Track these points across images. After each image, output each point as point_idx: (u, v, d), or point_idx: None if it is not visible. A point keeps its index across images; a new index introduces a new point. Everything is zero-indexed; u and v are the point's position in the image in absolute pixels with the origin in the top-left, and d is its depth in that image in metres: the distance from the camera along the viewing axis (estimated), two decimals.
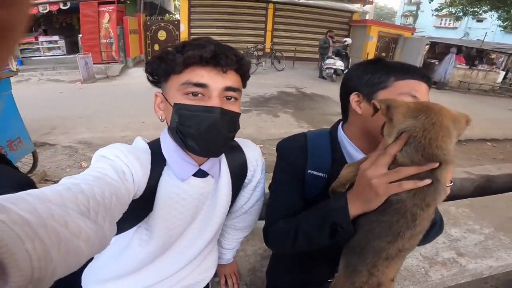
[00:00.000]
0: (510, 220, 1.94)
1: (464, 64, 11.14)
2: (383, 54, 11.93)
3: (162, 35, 10.05)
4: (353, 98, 0.74)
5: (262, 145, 3.72)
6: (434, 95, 8.71)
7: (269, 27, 11.37)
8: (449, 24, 23.17)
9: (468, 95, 10.01)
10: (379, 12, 40.31)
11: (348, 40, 9.47)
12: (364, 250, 0.59)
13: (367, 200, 0.58)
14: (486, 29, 18.39)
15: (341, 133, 0.79)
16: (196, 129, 0.60)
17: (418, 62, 11.19)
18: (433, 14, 17.30)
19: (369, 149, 0.74)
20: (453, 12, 13.12)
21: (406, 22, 27.30)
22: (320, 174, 0.76)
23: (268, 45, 10.70)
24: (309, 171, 0.77)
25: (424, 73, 0.70)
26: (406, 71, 0.69)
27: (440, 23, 24.09)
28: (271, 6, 11.10)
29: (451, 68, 10.54)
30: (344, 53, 8.81)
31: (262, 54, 9.82)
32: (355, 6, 12.03)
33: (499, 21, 13.12)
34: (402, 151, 0.54)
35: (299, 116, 5.15)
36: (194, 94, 0.60)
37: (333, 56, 8.55)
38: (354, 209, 0.61)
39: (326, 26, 10.73)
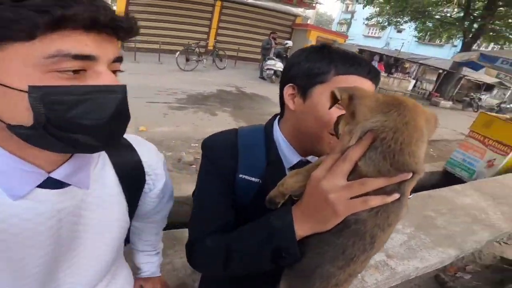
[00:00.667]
0: (426, 218, 2.10)
1: (383, 72, 12.89)
2: None
3: None
4: (287, 90, 0.67)
5: (197, 144, 3.85)
6: None
7: (214, 24, 11.35)
8: (375, 33, 26.09)
9: None
10: (319, 18, 43.20)
11: (289, 43, 9.94)
12: (311, 275, 0.50)
13: (321, 220, 0.47)
14: (403, 39, 21.12)
15: (276, 130, 0.71)
16: (96, 118, 0.39)
17: None
18: (364, 23, 19.21)
19: (304, 153, 0.69)
20: (380, 21, 14.62)
21: (341, 29, 29.85)
22: (252, 178, 0.66)
23: (211, 42, 10.70)
24: (240, 175, 0.66)
25: (371, 68, 0.62)
26: (349, 63, 0.60)
27: (368, 32, 26.88)
28: (218, 3, 11.06)
29: None
30: (284, 55, 9.18)
31: (204, 52, 9.76)
32: (299, 10, 12.73)
33: (416, 32, 14.98)
34: (366, 156, 0.42)
35: (238, 115, 5.40)
36: (75, 71, 0.37)
37: (274, 58, 8.88)
38: (303, 230, 0.49)
39: (270, 28, 11.15)
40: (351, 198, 0.44)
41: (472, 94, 14.91)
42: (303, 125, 0.65)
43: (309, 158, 0.71)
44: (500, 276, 2.30)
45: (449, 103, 13.68)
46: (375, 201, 0.43)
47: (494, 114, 5.92)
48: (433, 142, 6.81)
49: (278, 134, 0.71)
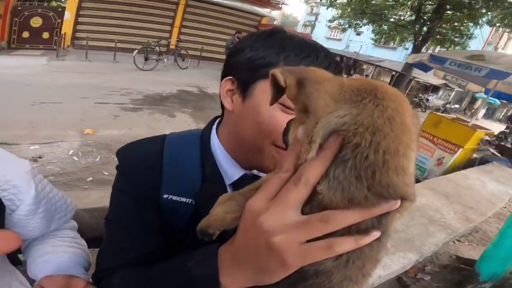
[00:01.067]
0: None
1: (343, 74, 13.45)
2: None
3: (36, 21, 8.48)
4: (225, 85, 0.54)
5: None
6: None
7: (177, 23, 10.94)
8: (336, 36, 27.32)
9: None
10: (285, 20, 44.21)
11: None
12: None
13: (261, 270, 0.32)
14: (362, 42, 22.40)
15: (214, 137, 0.58)
16: None
17: None
18: (326, 25, 20.00)
19: (249, 165, 0.56)
20: (341, 23, 15.06)
21: (306, 31, 30.77)
22: (182, 199, 0.53)
23: (173, 41, 10.29)
24: (164, 196, 0.53)
25: (331, 61, 0.51)
26: (305, 54, 0.49)
27: (331, 35, 28.08)
28: (183, 1, 10.70)
29: None
30: None
31: (166, 51, 9.38)
32: (265, 11, 12.77)
33: (373, 35, 15.62)
34: (329, 176, 0.27)
35: (198, 116, 5.19)
36: None
37: None
38: (234, 283, 0.35)
39: (235, 28, 10.99)
40: (308, 241, 0.28)
41: (420, 95, 16.50)
42: (240, 132, 0.53)
43: (255, 172, 0.58)
44: (458, 276, 2.43)
45: None
46: (345, 245, 0.27)
47: (441, 114, 6.43)
48: None
49: (215, 142, 0.57)
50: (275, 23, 13.77)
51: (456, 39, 12.44)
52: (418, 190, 3.25)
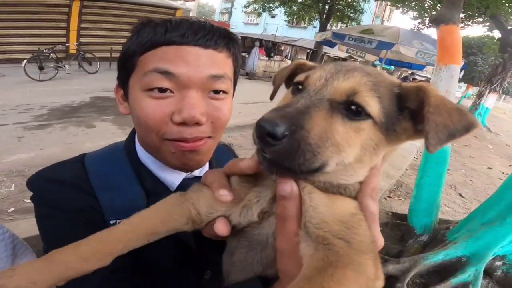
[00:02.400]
0: None
1: (264, 56, 13.96)
2: None
3: None
4: (117, 92, 0.55)
5: None
6: (248, 84, 10.39)
7: (74, 25, 9.74)
8: (253, 20, 27.87)
9: (271, 82, 12.73)
10: (201, 10, 42.80)
11: None
12: None
13: None
14: (277, 24, 23.37)
15: (139, 148, 0.56)
16: None
17: None
18: (242, 11, 20.12)
19: (176, 166, 0.54)
20: (256, 8, 15.60)
21: (223, 19, 30.47)
22: None
23: (72, 45, 9.06)
24: (111, 222, 0.49)
25: (204, 32, 0.48)
26: (161, 32, 0.47)
27: (248, 20, 28.49)
28: (76, 3, 9.52)
29: (257, 60, 12.92)
30: None
31: (65, 57, 8.24)
32: (178, 3, 12.24)
33: (285, 16, 16.62)
34: None
35: (123, 122, 4.75)
36: None
37: None
38: None
39: None
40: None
41: None
42: (138, 134, 0.53)
43: (197, 172, 0.58)
44: (399, 232, 2.73)
45: None
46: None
47: None
48: None
49: (142, 153, 0.55)
50: (190, 14, 13.28)
51: (351, 15, 14.10)
52: None
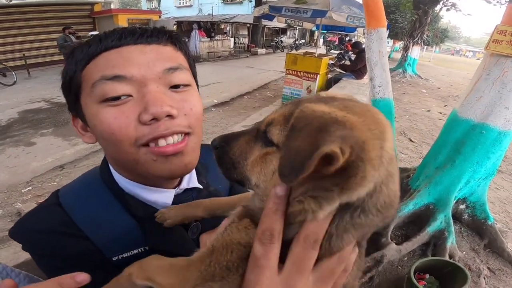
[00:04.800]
0: None
1: (205, 37, 13.46)
2: None
3: None
4: (75, 123, 0.51)
5: (30, 187, 2.92)
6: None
7: None
8: (186, 2, 26.19)
9: (217, 62, 12.44)
10: (123, 0, 38.56)
11: (94, 34, 8.56)
12: None
13: None
14: (212, 3, 22.38)
15: (116, 174, 0.51)
16: None
17: None
18: None
19: (160, 183, 0.52)
20: None
21: (152, 6, 28.04)
22: (135, 251, 0.48)
23: None
24: (114, 258, 0.47)
25: (142, 31, 0.46)
26: (95, 43, 0.45)
27: (180, 3, 26.60)
28: None
29: (198, 42, 12.43)
30: None
31: None
32: None
33: None
34: (338, 227, 0.29)
35: (66, 133, 4.33)
36: None
37: None
38: None
39: (64, 23, 9.07)
40: None
41: (275, 38, 18.83)
42: (111, 156, 0.49)
43: (185, 184, 0.54)
44: None
45: (263, 50, 16.71)
46: (352, 260, 0.32)
47: (295, 52, 7.56)
48: (266, 85, 8.09)
49: (120, 179, 0.51)
50: (112, 6, 12.02)
51: None
52: None
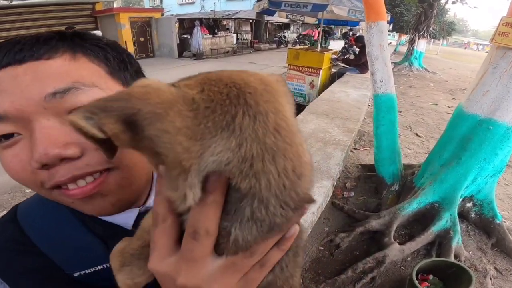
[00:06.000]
0: None
1: (208, 34, 13.39)
2: (141, 39, 12.11)
3: None
4: None
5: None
6: (197, 65, 9.93)
7: None
8: (188, 0, 26.14)
9: (220, 58, 12.39)
10: None
11: (98, 33, 8.49)
12: None
13: None
14: (214, 0, 22.32)
15: None
16: None
17: (174, 40, 12.34)
18: None
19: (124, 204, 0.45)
20: None
21: (155, 4, 27.99)
22: (99, 267, 0.44)
23: None
24: (75, 274, 0.44)
25: (19, 45, 0.35)
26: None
27: (182, 1, 26.60)
28: None
29: (201, 39, 12.37)
30: None
31: None
32: None
33: None
34: (238, 217, 0.24)
35: None
36: None
37: None
38: None
39: (65, 23, 9.32)
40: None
41: (278, 34, 18.59)
42: None
43: (150, 202, 0.48)
44: (372, 184, 2.77)
45: (267, 46, 16.61)
46: (273, 257, 0.27)
47: (297, 47, 7.46)
48: None
49: None
50: (114, 5, 12.03)
51: None
52: (305, 117, 3.64)
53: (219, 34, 14.04)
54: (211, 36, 13.40)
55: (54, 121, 0.34)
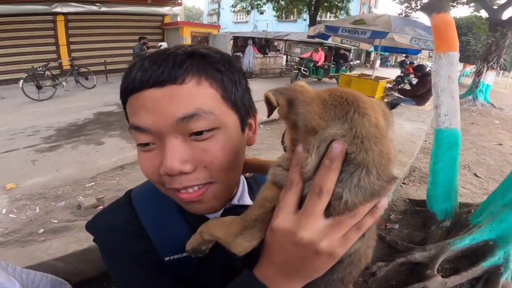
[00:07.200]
0: None
1: (259, 54, 13.91)
2: None
3: None
4: None
5: (93, 183, 3.26)
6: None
7: (62, 41, 9.66)
8: (242, 19, 27.76)
9: (269, 79, 12.69)
10: (188, 13, 42.59)
11: (164, 44, 9.47)
12: None
13: (313, 272, 0.38)
14: (266, 20, 23.26)
15: None
16: None
17: None
18: (231, 10, 20.11)
19: None
20: (244, 6, 15.64)
21: (212, 20, 30.28)
22: (185, 254, 0.50)
23: (65, 61, 9.02)
24: (166, 259, 0.52)
25: (158, 66, 0.42)
26: (124, 80, 0.45)
27: (237, 19, 28.34)
28: (60, 18, 9.41)
29: (252, 58, 12.90)
30: None
31: (60, 73, 8.23)
32: (165, 9, 12.13)
33: (274, 12, 16.73)
34: (348, 182, 0.32)
35: (130, 136, 4.69)
36: None
37: None
38: None
39: (138, 33, 10.29)
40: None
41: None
42: None
43: (236, 201, 0.56)
44: (420, 219, 2.69)
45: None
46: (367, 222, 0.35)
47: (350, 73, 7.35)
48: None
49: None
50: (178, 19, 13.29)
51: (338, 4, 14.10)
52: None
53: (269, 54, 14.50)
54: (261, 56, 13.88)
55: (179, 139, 0.43)
